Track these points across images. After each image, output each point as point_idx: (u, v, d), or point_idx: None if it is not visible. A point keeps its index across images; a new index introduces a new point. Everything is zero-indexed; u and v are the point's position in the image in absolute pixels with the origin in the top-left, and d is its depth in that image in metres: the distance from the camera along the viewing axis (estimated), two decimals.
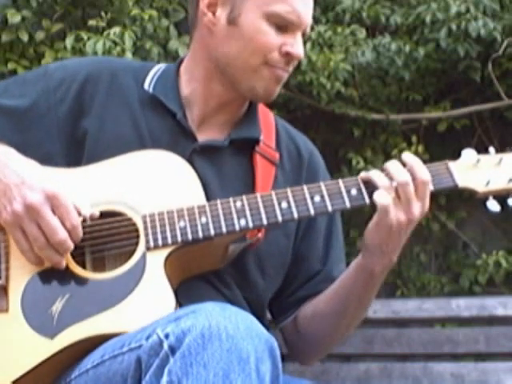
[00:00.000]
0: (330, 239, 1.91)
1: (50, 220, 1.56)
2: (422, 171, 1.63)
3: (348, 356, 2.51)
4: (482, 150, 1.73)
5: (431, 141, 4.11)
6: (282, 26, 1.73)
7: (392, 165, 1.65)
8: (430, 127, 4.10)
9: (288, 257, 1.86)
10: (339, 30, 3.81)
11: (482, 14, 3.71)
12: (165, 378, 1.33)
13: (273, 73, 1.75)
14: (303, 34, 1.78)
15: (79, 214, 1.60)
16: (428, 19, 3.75)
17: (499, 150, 1.72)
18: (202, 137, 1.80)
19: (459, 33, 3.73)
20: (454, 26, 3.71)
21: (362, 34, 3.83)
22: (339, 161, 4.04)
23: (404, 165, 1.64)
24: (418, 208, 1.62)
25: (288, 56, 1.75)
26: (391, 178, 1.62)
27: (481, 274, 3.92)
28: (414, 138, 4.02)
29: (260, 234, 1.77)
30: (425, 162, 1.65)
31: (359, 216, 3.47)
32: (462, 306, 2.48)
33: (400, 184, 1.61)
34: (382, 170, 1.66)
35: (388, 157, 4.06)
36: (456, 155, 1.70)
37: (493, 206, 1.67)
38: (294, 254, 1.87)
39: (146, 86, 1.81)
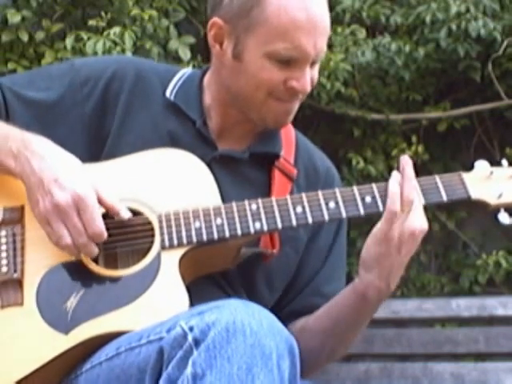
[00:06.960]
0: (328, 257, 1.88)
1: (76, 223, 1.56)
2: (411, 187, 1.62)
3: (348, 356, 2.51)
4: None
5: (431, 141, 4.10)
6: (286, 61, 1.68)
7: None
8: (430, 127, 4.09)
9: (293, 271, 1.85)
10: (339, 29, 3.81)
11: (482, 14, 3.71)
12: (189, 370, 1.35)
13: (281, 105, 1.73)
14: (314, 62, 1.72)
15: (111, 216, 1.60)
16: (428, 19, 3.74)
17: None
18: (222, 146, 1.79)
19: (459, 33, 3.73)
20: (454, 26, 3.70)
21: (362, 33, 3.83)
22: (339, 161, 4.03)
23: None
24: (419, 222, 1.60)
25: (293, 90, 1.71)
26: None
27: (481, 274, 3.91)
28: (414, 138, 4.00)
29: (275, 250, 1.76)
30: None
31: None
32: (462, 305, 2.48)
33: (406, 195, 1.61)
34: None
35: (388, 157, 4.06)
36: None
37: (504, 218, 1.66)
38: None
39: (167, 93, 1.80)
